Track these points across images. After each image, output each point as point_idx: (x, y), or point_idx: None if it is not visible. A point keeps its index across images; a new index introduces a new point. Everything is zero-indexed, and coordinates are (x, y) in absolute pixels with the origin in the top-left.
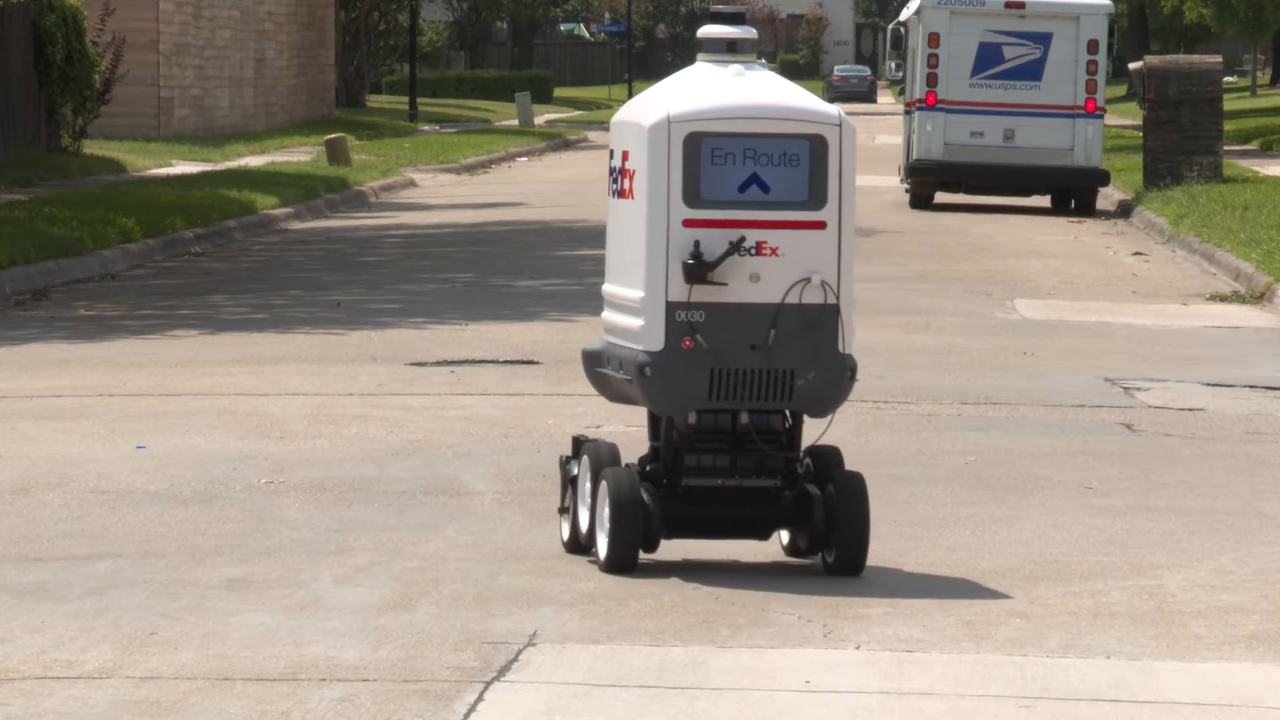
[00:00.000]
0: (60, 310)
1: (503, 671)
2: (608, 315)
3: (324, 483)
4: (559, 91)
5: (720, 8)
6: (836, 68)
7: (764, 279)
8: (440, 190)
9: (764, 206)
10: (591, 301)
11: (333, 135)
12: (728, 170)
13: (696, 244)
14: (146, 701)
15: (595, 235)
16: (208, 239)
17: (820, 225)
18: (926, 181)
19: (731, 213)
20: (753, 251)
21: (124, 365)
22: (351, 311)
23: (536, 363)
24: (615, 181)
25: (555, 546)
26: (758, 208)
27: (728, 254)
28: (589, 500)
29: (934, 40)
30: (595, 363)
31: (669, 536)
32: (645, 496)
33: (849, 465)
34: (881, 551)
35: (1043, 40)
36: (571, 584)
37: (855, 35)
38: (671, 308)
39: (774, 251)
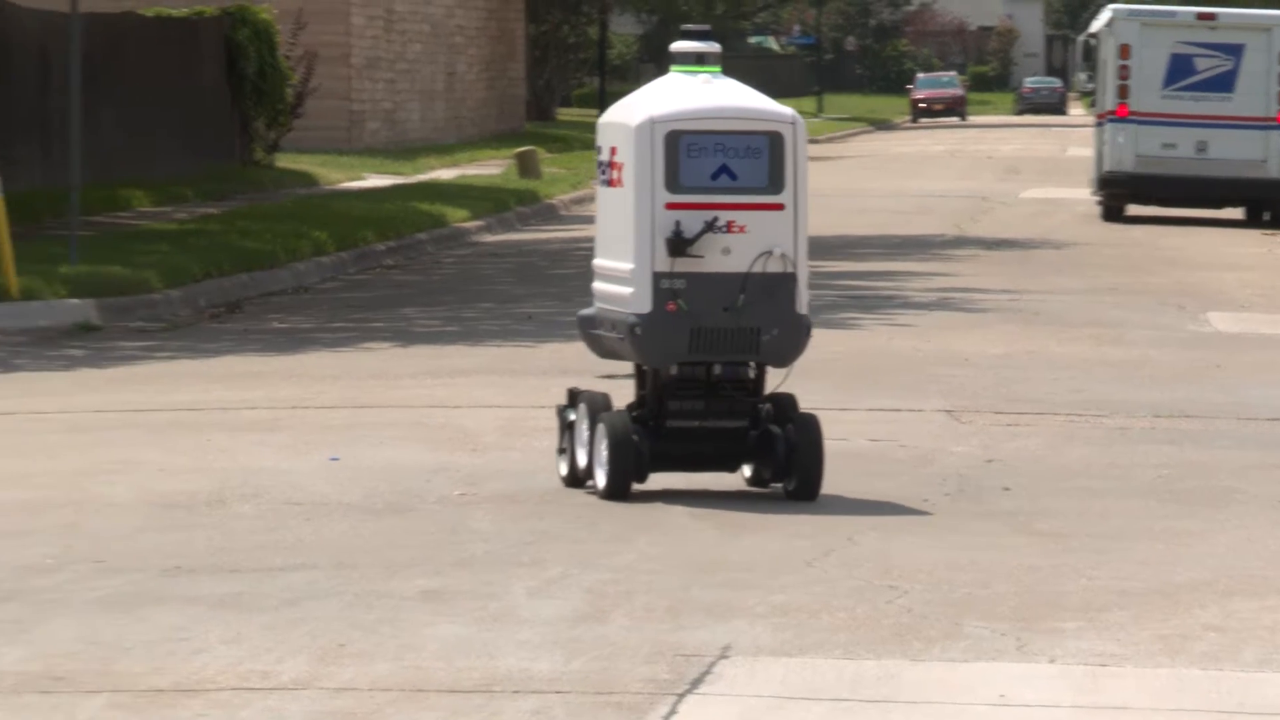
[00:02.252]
0: (254, 323)
1: (695, 684)
2: (599, 285)
3: (516, 495)
4: None
5: (690, 27)
6: (1027, 80)
7: (734, 252)
8: None
9: (732, 191)
10: None
11: (523, 148)
12: (701, 162)
13: (677, 223)
14: (341, 713)
15: None
16: (399, 251)
17: (779, 206)
18: (1118, 194)
19: (706, 197)
20: (724, 229)
21: (317, 377)
22: (542, 324)
23: None
24: (604, 173)
25: (750, 558)
26: (727, 193)
27: (703, 231)
28: (586, 441)
29: (1125, 52)
30: (590, 325)
31: (655, 470)
32: (635, 436)
33: (1042, 478)
34: (1075, 565)
35: (1234, 52)
36: (764, 596)
37: (1045, 47)
38: (657, 277)
39: (741, 229)
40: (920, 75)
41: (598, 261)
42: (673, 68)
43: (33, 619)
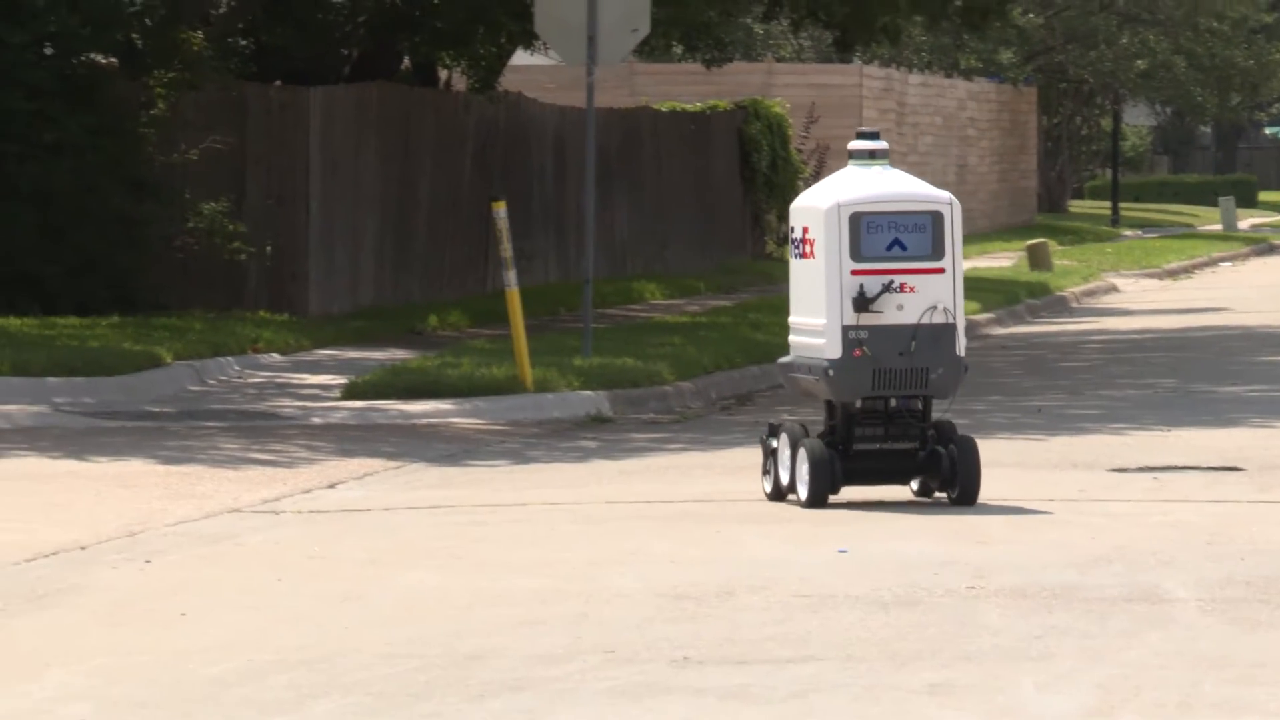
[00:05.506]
0: (763, 415)
1: None
2: (795, 338)
3: (1025, 589)
4: (1264, 195)
5: (863, 129)
6: None
7: (905, 308)
8: (1142, 295)
9: (903, 259)
10: None
11: (1034, 240)
12: (878, 236)
13: (860, 286)
14: None
15: None
16: None
17: (941, 270)
18: None
19: (882, 264)
20: (897, 290)
21: None
22: (1051, 417)
23: (1240, 469)
24: (797, 247)
25: (1262, 655)
26: (899, 260)
27: (881, 292)
28: (788, 463)
29: None
30: (789, 370)
31: (845, 484)
32: (830, 458)
33: None
34: None
35: None
36: (1277, 693)
37: None
38: (845, 329)
39: (911, 289)
40: None
41: (793, 319)
42: (850, 162)
43: (543, 709)
